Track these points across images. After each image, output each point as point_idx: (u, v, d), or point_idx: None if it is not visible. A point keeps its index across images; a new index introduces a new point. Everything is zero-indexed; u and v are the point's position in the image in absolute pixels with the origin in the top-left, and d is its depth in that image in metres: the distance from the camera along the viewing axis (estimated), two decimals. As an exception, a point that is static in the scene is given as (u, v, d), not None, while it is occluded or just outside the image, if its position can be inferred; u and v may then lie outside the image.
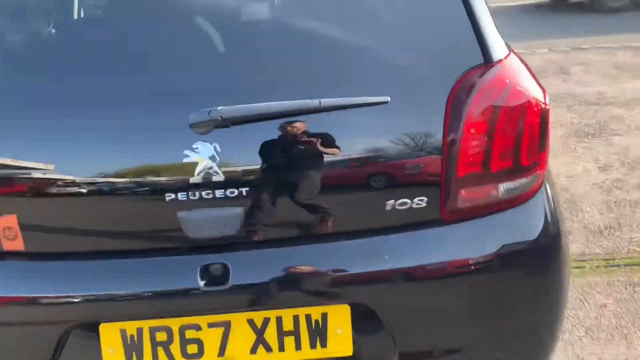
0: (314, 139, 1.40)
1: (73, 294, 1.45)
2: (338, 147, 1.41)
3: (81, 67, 1.51)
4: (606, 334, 2.38)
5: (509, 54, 1.50)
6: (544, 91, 1.49)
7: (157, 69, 1.46)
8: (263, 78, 1.42)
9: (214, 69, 1.45)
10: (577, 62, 5.92)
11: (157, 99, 1.43)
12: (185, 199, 1.39)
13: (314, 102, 1.36)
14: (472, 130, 1.41)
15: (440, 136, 1.43)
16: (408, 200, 1.44)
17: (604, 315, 2.48)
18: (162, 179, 1.40)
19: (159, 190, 1.40)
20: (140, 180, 1.41)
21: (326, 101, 1.36)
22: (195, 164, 1.38)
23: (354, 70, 1.44)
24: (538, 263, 1.52)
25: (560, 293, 1.56)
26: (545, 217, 1.54)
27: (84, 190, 1.42)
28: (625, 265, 2.81)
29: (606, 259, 2.87)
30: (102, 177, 1.42)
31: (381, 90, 1.41)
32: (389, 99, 1.39)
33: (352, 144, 1.42)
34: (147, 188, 1.41)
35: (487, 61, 1.45)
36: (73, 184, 1.42)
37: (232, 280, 1.41)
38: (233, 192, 1.40)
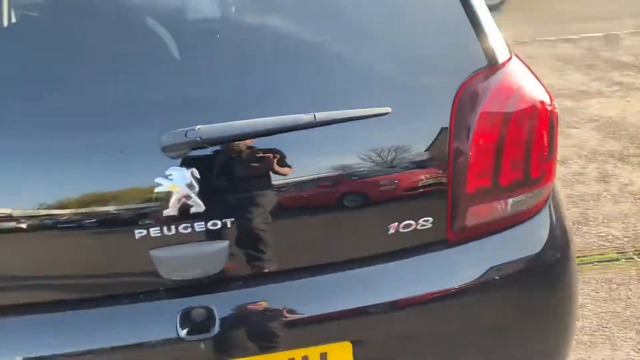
0: (309, 158, 1.22)
1: (22, 357, 1.20)
2: (336, 167, 1.24)
3: (18, 79, 1.26)
4: (590, 337, 2.32)
5: (511, 56, 1.38)
6: (551, 95, 1.37)
7: (116, 80, 1.23)
8: (245, 90, 1.22)
9: (185, 80, 1.23)
10: (523, 56, 5.96)
11: (118, 116, 1.20)
12: (159, 234, 1.18)
13: (308, 117, 1.17)
14: (481, 141, 1.27)
15: (445, 148, 1.28)
16: (413, 222, 1.29)
17: (586, 316, 2.43)
18: (130, 212, 1.18)
19: (126, 226, 1.19)
20: (103, 214, 1.19)
21: (322, 115, 1.18)
22: (170, 193, 1.17)
23: (348, 79, 1.27)
24: (551, 279, 1.41)
25: (573, 307, 1.46)
26: (556, 231, 1.43)
27: (31, 227, 1.18)
28: (597, 262, 2.79)
29: (578, 257, 2.82)
30: (55, 210, 1.19)
31: (379, 101, 1.24)
32: (390, 109, 1.23)
33: (351, 162, 1.25)
34: (111, 224, 1.19)
35: (491, 64, 1.32)
36: (15, 219, 1.18)
37: (219, 326, 1.21)
38: (216, 224, 1.20)
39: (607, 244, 2.93)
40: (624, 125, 4.31)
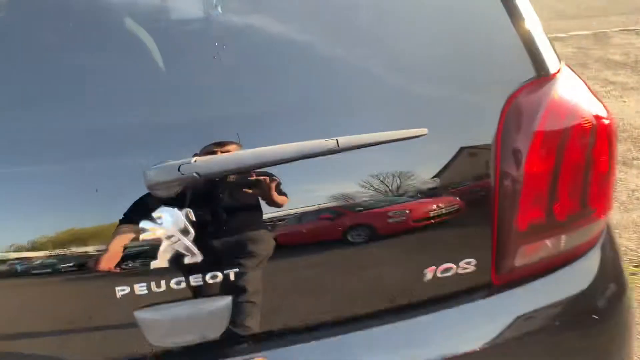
0: (329, 190, 1.00)
1: None
2: (360, 199, 1.02)
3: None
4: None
5: (561, 67, 1.17)
6: (607, 109, 1.16)
7: (90, 99, 0.99)
8: (250, 111, 0.99)
9: (176, 99, 1.00)
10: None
11: (92, 144, 0.96)
12: (145, 292, 0.95)
13: (329, 142, 0.95)
14: (535, 167, 1.05)
15: (490, 177, 1.07)
16: (452, 265, 1.07)
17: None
18: (109, 264, 0.94)
19: (104, 282, 0.95)
20: (74, 267, 0.95)
21: (346, 140, 0.96)
22: (159, 241, 0.94)
23: (375, 96, 1.04)
24: (607, 314, 1.21)
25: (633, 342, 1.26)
26: (610, 266, 1.23)
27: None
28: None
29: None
30: (11, 257, 0.94)
31: (412, 120, 1.02)
32: (426, 131, 1.01)
33: (378, 194, 1.03)
34: (85, 279, 0.95)
35: (541, 75, 1.11)
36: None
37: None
38: (216, 277, 0.97)
39: (624, 257, 2.75)
40: (624, 126, 4.16)
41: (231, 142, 0.95)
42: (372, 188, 1.03)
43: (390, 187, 1.04)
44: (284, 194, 0.97)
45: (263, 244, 0.99)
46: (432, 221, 1.06)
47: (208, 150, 0.93)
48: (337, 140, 0.95)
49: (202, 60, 1.01)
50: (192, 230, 0.94)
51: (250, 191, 0.96)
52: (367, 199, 1.03)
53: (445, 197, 1.06)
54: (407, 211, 1.05)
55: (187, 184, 0.91)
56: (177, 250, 0.94)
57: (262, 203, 0.97)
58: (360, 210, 1.04)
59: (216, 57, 0.98)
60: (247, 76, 1.00)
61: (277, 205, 0.97)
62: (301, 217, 1.01)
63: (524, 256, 1.11)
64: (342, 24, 1.08)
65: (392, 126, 1.01)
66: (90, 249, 0.95)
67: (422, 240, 1.07)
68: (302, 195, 1.01)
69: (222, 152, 0.94)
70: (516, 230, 1.08)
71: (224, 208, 0.96)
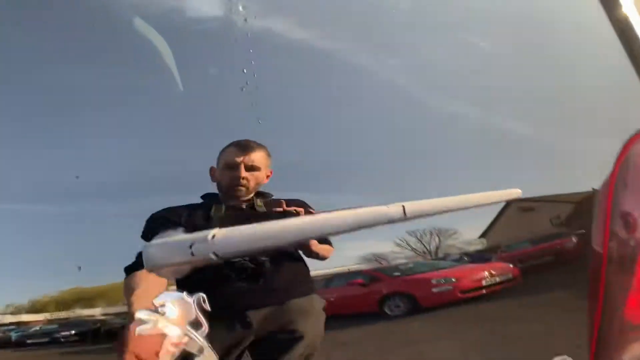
0: (388, 278, 0.76)
1: None
2: (431, 286, 0.78)
3: None
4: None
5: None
6: None
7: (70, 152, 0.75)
8: (292, 164, 0.75)
9: (184, 144, 0.76)
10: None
11: (72, 204, 0.73)
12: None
13: (391, 210, 0.70)
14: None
15: (597, 247, 0.82)
16: (542, 363, 0.83)
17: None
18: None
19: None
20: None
21: (415, 207, 0.71)
22: (162, 337, 0.70)
23: (454, 150, 0.80)
24: None
25: None
26: None
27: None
28: None
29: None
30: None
31: (499, 175, 0.78)
32: (520, 193, 0.76)
33: (428, 267, 0.79)
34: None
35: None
36: None
37: None
38: (235, 383, 0.73)
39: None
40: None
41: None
42: (461, 280, 0.80)
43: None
44: (327, 242, 0.74)
45: (296, 334, 0.75)
46: (520, 308, 0.82)
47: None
48: (403, 207, 0.71)
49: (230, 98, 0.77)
50: (205, 324, 0.70)
51: (284, 259, 0.73)
52: (417, 269, 0.80)
53: (528, 270, 0.82)
54: (458, 281, 0.81)
55: (201, 266, 0.67)
56: (184, 350, 0.70)
57: (296, 277, 0.74)
58: (409, 284, 0.80)
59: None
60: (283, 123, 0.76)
61: (320, 257, 0.74)
62: (354, 304, 0.78)
63: (631, 354, 0.86)
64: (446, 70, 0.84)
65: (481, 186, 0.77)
66: (73, 348, 0.72)
67: (504, 330, 0.83)
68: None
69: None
70: (627, 319, 0.83)
71: (248, 292, 0.72)
